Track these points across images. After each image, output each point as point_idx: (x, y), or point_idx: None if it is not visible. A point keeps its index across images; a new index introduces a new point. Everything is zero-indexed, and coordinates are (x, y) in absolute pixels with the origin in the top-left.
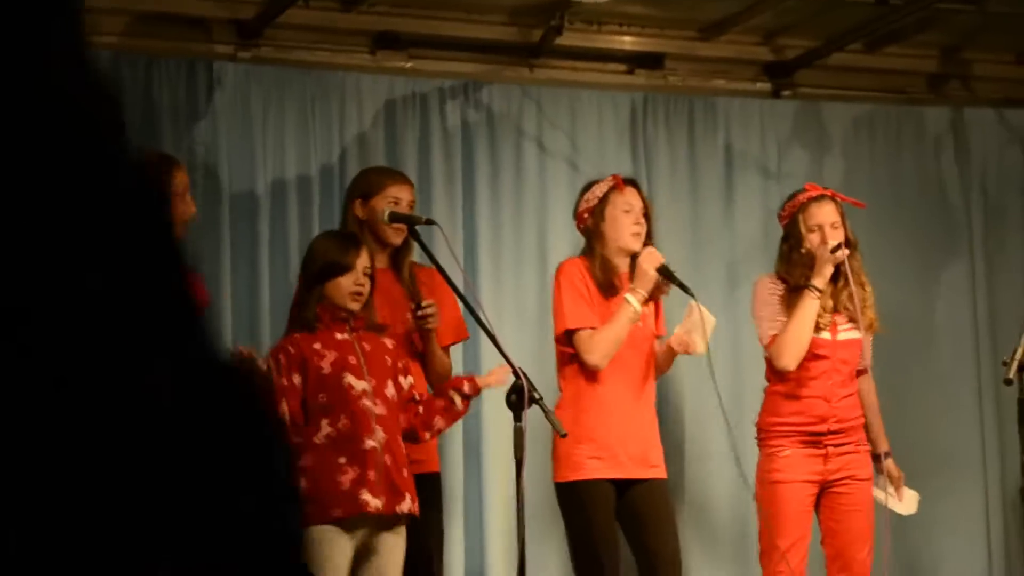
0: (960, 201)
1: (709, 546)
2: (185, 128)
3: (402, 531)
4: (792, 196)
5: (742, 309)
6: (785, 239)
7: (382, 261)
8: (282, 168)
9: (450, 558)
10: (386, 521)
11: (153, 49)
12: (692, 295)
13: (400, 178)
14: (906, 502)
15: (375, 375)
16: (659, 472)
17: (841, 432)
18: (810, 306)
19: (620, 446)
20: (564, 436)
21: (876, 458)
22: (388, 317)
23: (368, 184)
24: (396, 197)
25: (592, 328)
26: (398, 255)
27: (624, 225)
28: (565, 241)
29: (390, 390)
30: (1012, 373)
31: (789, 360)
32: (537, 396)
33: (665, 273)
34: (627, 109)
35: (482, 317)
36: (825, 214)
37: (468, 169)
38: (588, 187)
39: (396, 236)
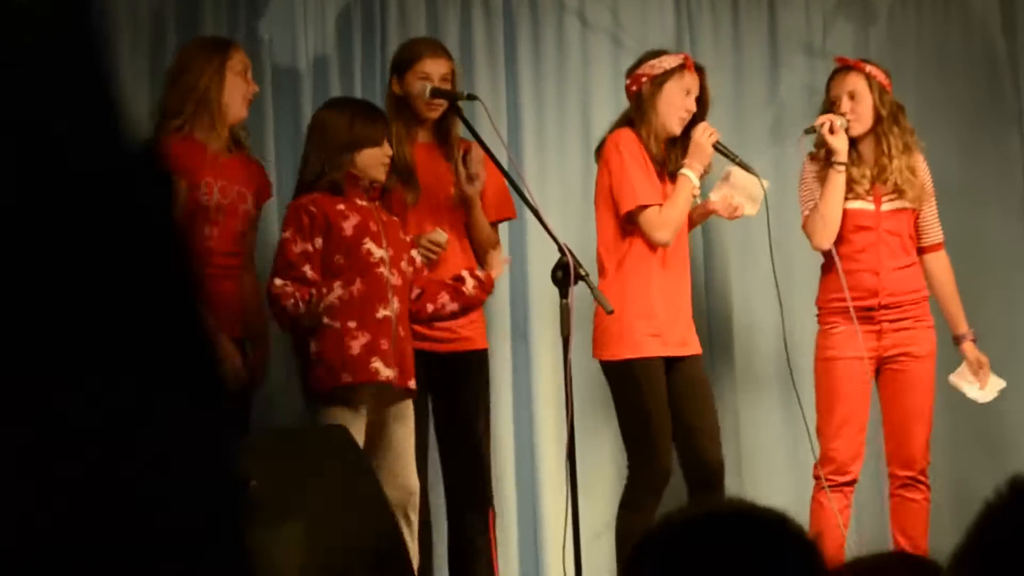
0: (1008, 75)
1: (759, 416)
2: (227, 9)
3: (411, 407)
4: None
5: (789, 188)
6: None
7: (425, 136)
8: (323, 42)
9: (498, 439)
10: (396, 394)
11: None
12: (752, 171)
13: (434, 51)
14: (987, 390)
15: (392, 246)
16: (697, 348)
17: (895, 307)
18: (835, 181)
19: (671, 323)
20: (611, 312)
21: (956, 340)
22: (432, 193)
23: (402, 58)
24: (427, 72)
25: (659, 205)
26: (441, 129)
27: (677, 107)
28: (608, 117)
29: (405, 263)
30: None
31: (821, 239)
32: (583, 272)
33: (721, 148)
34: None
35: (527, 194)
36: (840, 84)
37: (510, 44)
38: (656, 54)
39: (432, 111)
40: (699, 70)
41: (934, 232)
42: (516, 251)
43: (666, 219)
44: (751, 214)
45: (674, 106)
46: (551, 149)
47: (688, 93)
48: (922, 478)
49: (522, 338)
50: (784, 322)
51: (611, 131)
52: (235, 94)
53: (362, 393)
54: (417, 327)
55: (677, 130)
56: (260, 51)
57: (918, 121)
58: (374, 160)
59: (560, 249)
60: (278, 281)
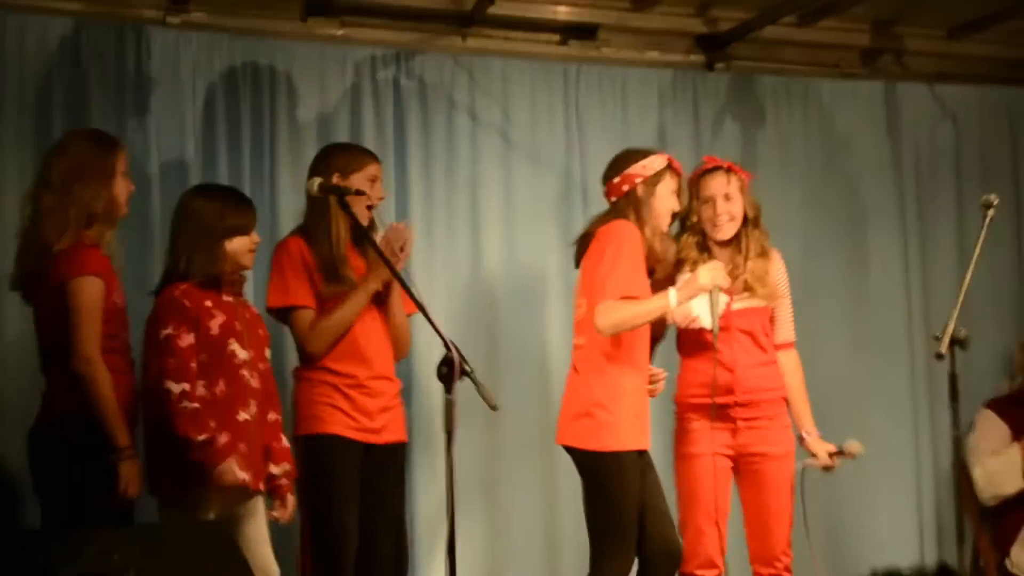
0: (893, 175)
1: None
2: (114, 95)
3: (261, 502)
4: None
5: None
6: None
7: (345, 234)
8: (212, 135)
9: None
10: (248, 494)
11: (81, 12)
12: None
13: (371, 156)
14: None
15: (253, 346)
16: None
17: (751, 405)
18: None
19: (645, 419)
20: (496, 409)
21: (800, 439)
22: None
23: (342, 160)
24: (373, 175)
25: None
26: (362, 237)
27: (669, 207)
28: (497, 212)
29: (262, 366)
30: (944, 348)
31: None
32: (468, 369)
33: (712, 298)
34: (560, 79)
35: (412, 289)
36: (717, 185)
37: (400, 140)
38: (641, 153)
39: (364, 216)
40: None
41: (785, 331)
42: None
43: (615, 312)
44: (704, 325)
45: (666, 207)
46: (439, 242)
47: (674, 192)
48: (786, 574)
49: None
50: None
51: (598, 224)
52: (122, 197)
53: (214, 496)
54: (355, 415)
55: (666, 228)
56: (149, 141)
57: (802, 220)
58: (243, 248)
59: (446, 344)
60: (175, 388)
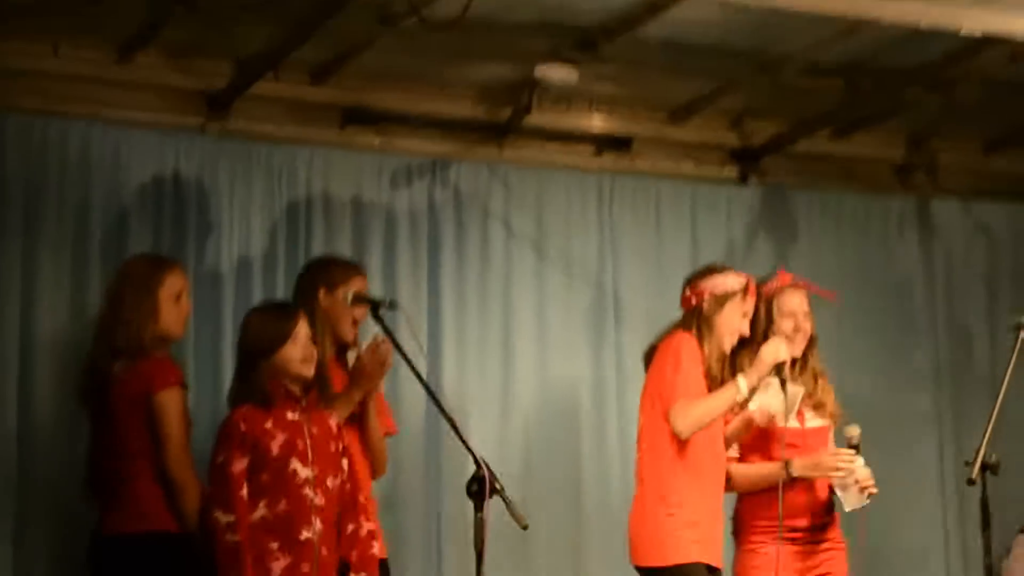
0: (925, 291)
1: None
2: (151, 201)
3: None
4: (764, 279)
5: None
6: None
7: (330, 352)
8: (247, 244)
9: None
10: None
11: (122, 120)
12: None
13: (358, 270)
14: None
15: (319, 463)
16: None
17: (821, 528)
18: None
19: (713, 531)
20: (526, 528)
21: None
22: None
23: (330, 274)
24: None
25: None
26: (345, 351)
27: (733, 329)
28: (530, 326)
29: (332, 480)
30: (975, 474)
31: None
32: (499, 486)
33: (781, 374)
34: (595, 191)
35: (443, 404)
36: (800, 303)
37: (434, 249)
38: (719, 269)
39: (351, 332)
40: (757, 294)
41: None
42: (432, 458)
43: (690, 411)
44: (782, 424)
45: (731, 328)
46: (471, 358)
47: (744, 316)
48: None
49: (436, 552)
50: None
51: (663, 336)
52: (169, 319)
53: None
54: None
55: (727, 349)
56: (185, 248)
57: (836, 335)
58: (292, 358)
59: (476, 462)
60: (222, 519)
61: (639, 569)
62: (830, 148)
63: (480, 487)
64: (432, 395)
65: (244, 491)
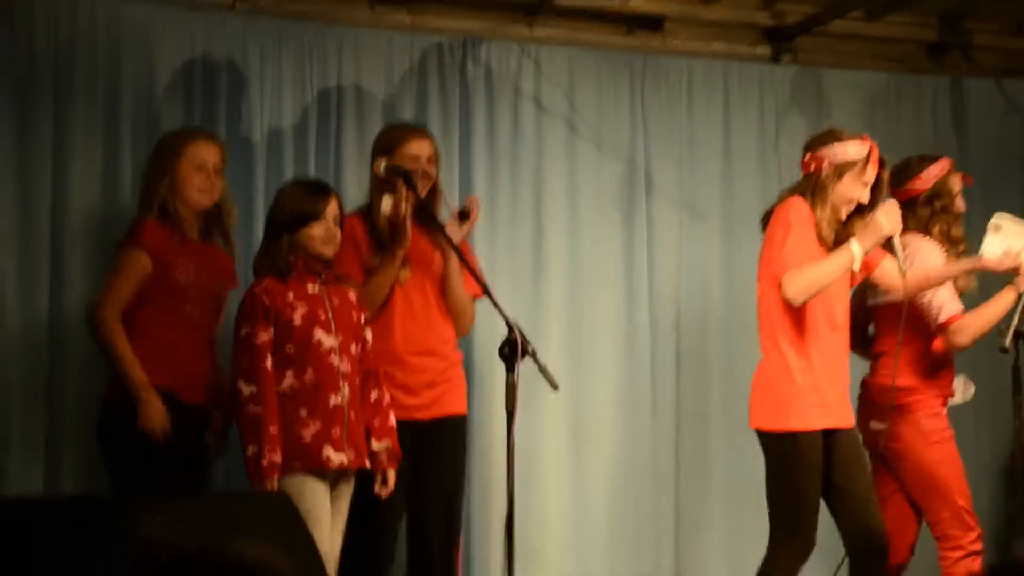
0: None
1: None
2: (181, 78)
3: (352, 482)
4: (929, 160)
5: (739, 273)
6: (935, 197)
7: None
8: (279, 123)
9: None
10: (344, 475)
11: None
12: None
13: (418, 133)
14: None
15: (342, 331)
16: (852, 420)
17: None
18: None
19: (833, 395)
20: (557, 389)
21: None
22: (415, 268)
23: (386, 141)
24: (415, 154)
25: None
26: (423, 209)
27: (850, 198)
28: (561, 199)
29: (355, 348)
30: (1008, 341)
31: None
32: (531, 349)
33: (894, 243)
34: (626, 70)
35: (477, 271)
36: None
37: (465, 126)
38: (840, 136)
39: (422, 187)
40: (881, 163)
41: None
42: None
43: (800, 278)
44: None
45: (847, 197)
46: (502, 227)
47: (865, 185)
48: None
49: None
50: None
51: (779, 199)
52: (189, 187)
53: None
54: (394, 392)
55: (843, 217)
56: (216, 123)
57: None
58: (316, 235)
59: (508, 325)
60: (245, 389)
61: (759, 433)
62: (863, 28)
63: (512, 350)
64: (464, 260)
65: (268, 362)
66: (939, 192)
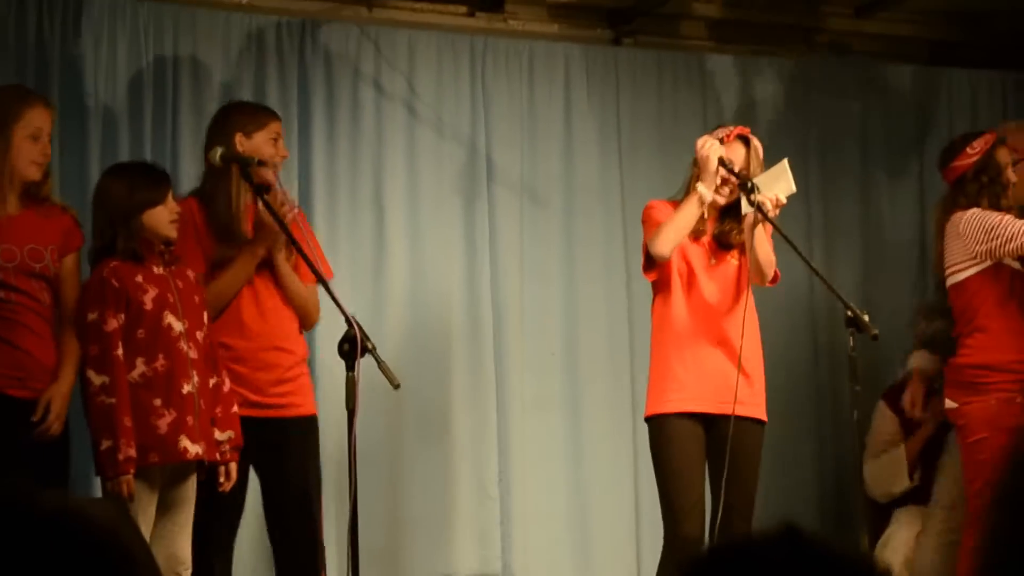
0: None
1: None
2: (13, 53)
3: (193, 483)
4: (972, 136)
5: (578, 260)
6: (982, 171)
7: (248, 199)
8: (113, 103)
9: None
10: (193, 467)
11: None
12: (748, 189)
13: (269, 114)
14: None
15: (188, 316)
16: (749, 412)
17: None
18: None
19: (702, 381)
20: (398, 387)
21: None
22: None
23: (239, 120)
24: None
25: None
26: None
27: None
28: (401, 186)
29: (201, 332)
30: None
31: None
32: (370, 346)
33: (725, 164)
34: (467, 52)
35: (314, 263)
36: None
37: (304, 110)
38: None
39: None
40: (743, 139)
41: None
42: None
43: (663, 230)
44: (792, 190)
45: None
46: (342, 216)
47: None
48: None
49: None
50: None
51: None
52: (21, 159)
53: (164, 470)
54: (242, 391)
55: (722, 201)
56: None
57: None
58: (161, 219)
59: (347, 321)
60: (96, 380)
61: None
62: (700, 9)
63: (352, 346)
64: (301, 252)
65: (120, 351)
66: (984, 166)
